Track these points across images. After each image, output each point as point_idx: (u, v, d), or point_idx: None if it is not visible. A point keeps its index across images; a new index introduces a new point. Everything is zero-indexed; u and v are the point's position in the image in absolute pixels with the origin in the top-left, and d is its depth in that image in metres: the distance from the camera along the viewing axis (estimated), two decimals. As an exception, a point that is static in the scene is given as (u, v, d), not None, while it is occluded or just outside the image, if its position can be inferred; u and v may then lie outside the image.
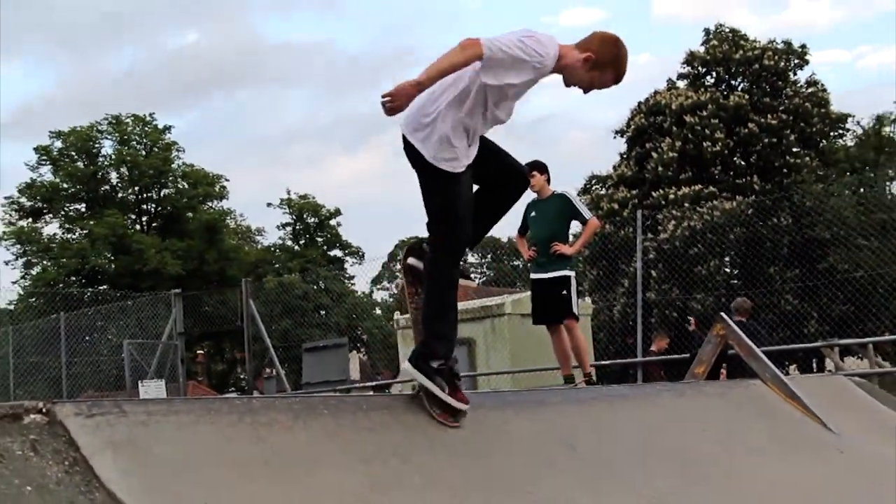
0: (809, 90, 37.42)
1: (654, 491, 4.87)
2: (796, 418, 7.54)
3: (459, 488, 4.47)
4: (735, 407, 7.40)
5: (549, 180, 9.93)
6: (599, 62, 4.88)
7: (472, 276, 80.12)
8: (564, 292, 9.52)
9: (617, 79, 5.03)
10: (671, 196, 33.14)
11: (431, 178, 4.82)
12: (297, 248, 56.97)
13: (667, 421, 6.44)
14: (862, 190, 28.93)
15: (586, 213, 9.87)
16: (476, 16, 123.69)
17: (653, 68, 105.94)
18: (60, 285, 43.64)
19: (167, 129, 51.57)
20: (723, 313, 9.39)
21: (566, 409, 6.30)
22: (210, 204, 52.22)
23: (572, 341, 9.57)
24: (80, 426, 3.50)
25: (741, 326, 9.17)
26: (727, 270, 30.74)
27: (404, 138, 4.88)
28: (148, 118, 51.16)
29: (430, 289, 4.99)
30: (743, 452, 6.42)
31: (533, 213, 9.93)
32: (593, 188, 39.75)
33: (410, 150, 4.86)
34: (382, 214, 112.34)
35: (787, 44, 38.25)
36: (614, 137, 39.26)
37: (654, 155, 35.79)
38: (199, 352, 44.42)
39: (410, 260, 5.25)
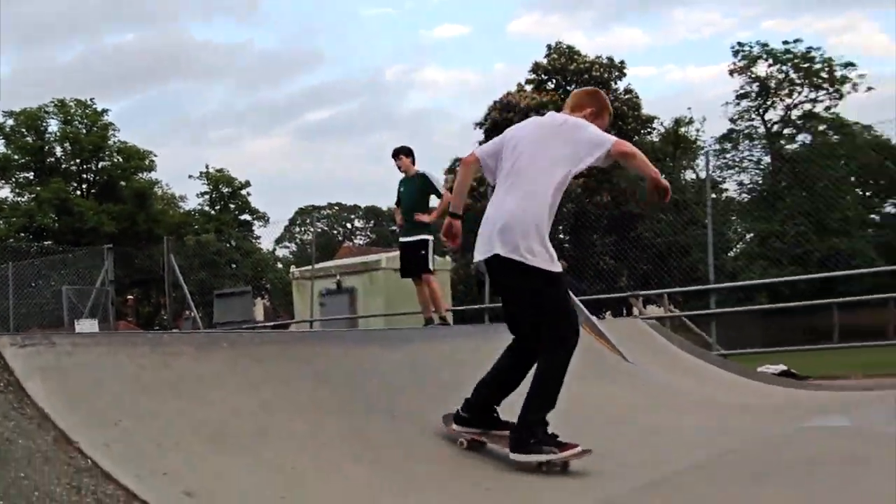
0: (626, 96, 38.15)
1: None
2: (604, 352, 7.82)
3: (334, 408, 4.48)
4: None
5: (413, 161, 9.97)
6: (598, 112, 4.84)
7: (358, 237, 79.97)
8: (423, 252, 9.56)
9: (610, 118, 4.95)
10: (518, 177, 33.53)
11: (542, 282, 4.36)
12: (213, 212, 55.60)
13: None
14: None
15: (441, 190, 9.94)
16: (369, 23, 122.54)
17: (506, 74, 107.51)
18: (10, 240, 41.82)
19: (104, 111, 49.85)
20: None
21: (423, 345, 6.39)
22: (141, 175, 50.69)
23: (430, 291, 9.63)
24: (13, 354, 3.42)
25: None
26: (560, 237, 31.32)
27: (508, 260, 4.38)
28: (89, 102, 49.38)
29: (545, 382, 4.33)
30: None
31: (401, 189, 9.95)
32: (456, 168, 39.91)
33: (514, 267, 4.38)
34: (284, 186, 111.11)
35: (610, 59, 38.93)
36: (475, 128, 39.44)
37: (505, 144, 36.03)
38: (129, 297, 43.22)
39: (454, 426, 4.64)
